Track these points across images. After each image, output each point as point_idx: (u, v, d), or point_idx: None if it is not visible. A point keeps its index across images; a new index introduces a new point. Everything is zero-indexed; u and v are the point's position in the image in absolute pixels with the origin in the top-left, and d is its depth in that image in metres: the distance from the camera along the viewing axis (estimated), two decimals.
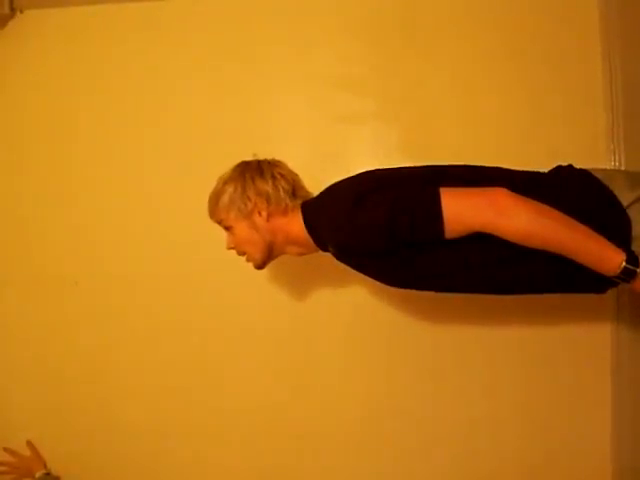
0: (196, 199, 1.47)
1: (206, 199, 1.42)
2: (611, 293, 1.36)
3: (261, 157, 1.42)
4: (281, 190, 1.35)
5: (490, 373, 1.83)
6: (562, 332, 1.80)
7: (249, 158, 1.42)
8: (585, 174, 1.23)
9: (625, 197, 1.17)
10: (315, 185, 1.41)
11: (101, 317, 1.99)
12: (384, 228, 1.13)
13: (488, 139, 1.82)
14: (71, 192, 2.01)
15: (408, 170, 1.30)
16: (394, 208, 1.13)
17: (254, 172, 1.36)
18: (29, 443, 2.00)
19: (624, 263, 1.07)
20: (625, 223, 1.16)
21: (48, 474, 1.95)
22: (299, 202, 1.36)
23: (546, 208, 1.09)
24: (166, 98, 1.97)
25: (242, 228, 1.37)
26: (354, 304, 1.88)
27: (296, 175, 1.42)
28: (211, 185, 1.41)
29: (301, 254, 1.43)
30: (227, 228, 1.40)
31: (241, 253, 1.43)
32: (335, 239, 1.24)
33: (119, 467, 1.99)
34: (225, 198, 1.36)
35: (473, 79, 1.83)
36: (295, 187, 1.38)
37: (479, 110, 1.83)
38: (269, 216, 1.35)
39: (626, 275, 1.08)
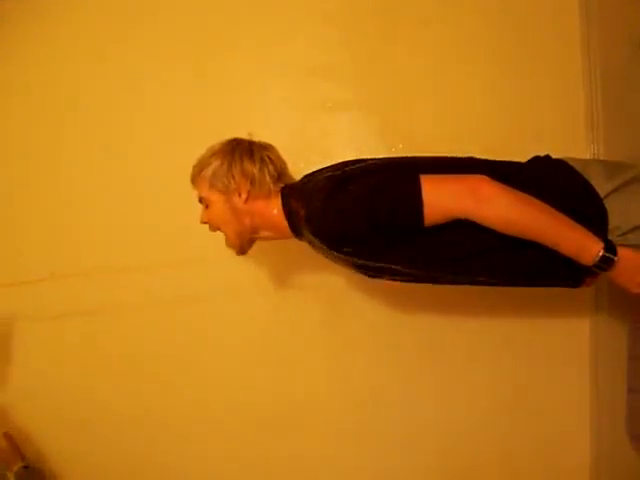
0: (176, 189, 1.47)
1: (186, 191, 1.40)
2: (590, 287, 1.37)
3: (255, 139, 1.40)
4: (267, 174, 1.33)
5: (470, 366, 1.84)
6: (540, 325, 1.81)
7: (244, 136, 1.40)
8: (562, 164, 1.23)
9: (603, 188, 1.18)
10: (294, 172, 1.41)
11: (85, 312, 1.97)
12: (364, 214, 1.12)
13: (467, 127, 1.81)
14: (56, 188, 1.99)
15: (387, 160, 1.29)
16: (375, 195, 1.12)
17: (244, 152, 1.34)
18: (6, 434, 1.93)
19: (602, 252, 1.08)
20: (602, 214, 1.16)
21: (27, 467, 1.83)
22: (280, 187, 1.35)
23: (526, 196, 1.09)
24: (146, 88, 1.94)
25: (219, 204, 1.35)
26: (333, 294, 1.87)
27: (284, 162, 1.40)
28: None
29: (270, 239, 1.42)
30: (205, 202, 1.39)
31: (214, 229, 1.41)
32: (313, 226, 1.22)
33: (106, 459, 1.98)
34: (209, 170, 1.35)
35: (452, 67, 1.83)
36: (281, 174, 1.37)
37: (458, 98, 1.83)
38: (248, 198, 1.33)
39: (604, 264, 1.09)
